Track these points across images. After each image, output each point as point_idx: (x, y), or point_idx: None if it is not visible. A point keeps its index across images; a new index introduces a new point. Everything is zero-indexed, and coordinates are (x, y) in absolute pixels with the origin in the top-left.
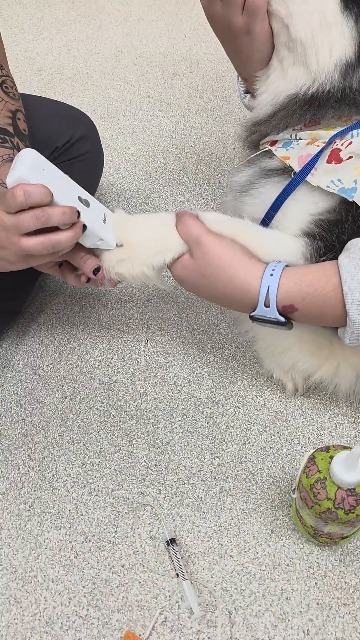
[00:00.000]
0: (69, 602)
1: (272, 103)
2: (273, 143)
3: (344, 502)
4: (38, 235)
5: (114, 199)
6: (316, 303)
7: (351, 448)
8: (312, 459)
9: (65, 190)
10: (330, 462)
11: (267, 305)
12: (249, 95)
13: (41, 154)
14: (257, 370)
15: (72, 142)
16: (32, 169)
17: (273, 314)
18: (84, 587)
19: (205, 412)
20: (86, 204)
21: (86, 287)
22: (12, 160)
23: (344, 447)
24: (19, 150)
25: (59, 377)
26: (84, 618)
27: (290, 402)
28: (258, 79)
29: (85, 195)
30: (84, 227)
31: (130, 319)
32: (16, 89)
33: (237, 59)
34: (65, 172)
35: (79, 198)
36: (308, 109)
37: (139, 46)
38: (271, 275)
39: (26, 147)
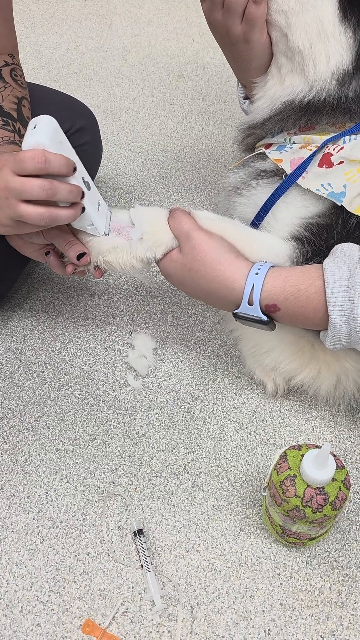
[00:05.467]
0: (31, 587)
1: (268, 108)
2: (268, 146)
3: (312, 501)
4: (38, 205)
5: (110, 193)
6: (299, 304)
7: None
8: (283, 456)
9: None
10: (301, 460)
11: (250, 303)
12: (247, 101)
13: None
14: (239, 369)
15: (71, 132)
16: (52, 138)
17: (256, 312)
18: (47, 572)
19: (183, 407)
20: (87, 186)
21: (72, 276)
22: (12, 142)
23: (317, 446)
24: (20, 135)
25: (40, 363)
26: (44, 603)
27: (269, 402)
28: (256, 85)
29: (88, 177)
30: (82, 209)
31: (116, 310)
32: (24, 78)
33: (236, 65)
34: None
35: (83, 179)
36: (303, 114)
37: (147, 47)
38: (256, 274)
39: None
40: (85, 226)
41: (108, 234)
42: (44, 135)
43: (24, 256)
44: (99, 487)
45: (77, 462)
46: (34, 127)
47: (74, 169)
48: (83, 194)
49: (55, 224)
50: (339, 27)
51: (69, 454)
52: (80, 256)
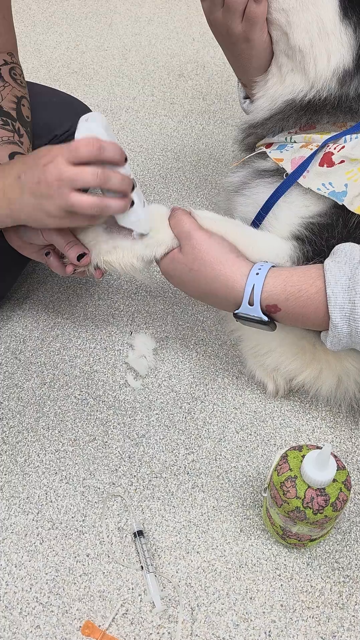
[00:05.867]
0: (30, 588)
1: (269, 108)
2: (268, 145)
3: (313, 502)
4: (89, 194)
5: None
6: (299, 304)
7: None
8: (284, 457)
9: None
10: (302, 461)
11: (251, 303)
12: (248, 101)
13: (40, 140)
14: (239, 369)
15: (70, 132)
16: (105, 128)
17: (257, 312)
18: (47, 574)
19: (183, 407)
20: (135, 183)
21: (72, 276)
22: (11, 142)
23: (317, 447)
24: (19, 135)
25: (39, 363)
26: (44, 605)
27: (269, 402)
28: (256, 84)
29: (134, 177)
30: (131, 202)
31: (116, 310)
32: (23, 77)
33: (236, 65)
34: None
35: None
36: (304, 113)
37: (147, 46)
38: (257, 274)
39: (27, 133)
40: (131, 221)
41: (147, 234)
42: (98, 125)
43: (24, 256)
44: (99, 488)
45: (76, 463)
46: (86, 120)
47: (125, 159)
48: (133, 187)
49: (106, 214)
50: (340, 25)
51: (68, 455)
52: (80, 257)
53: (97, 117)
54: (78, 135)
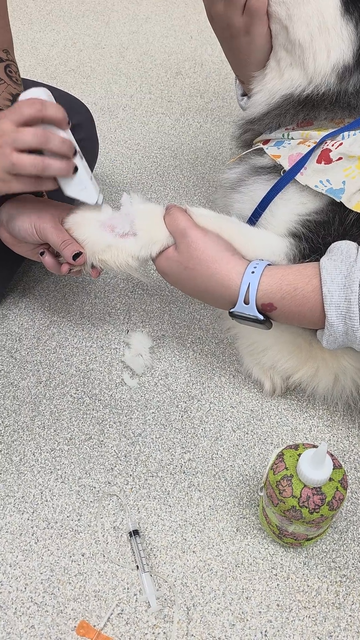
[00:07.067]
0: (25, 588)
1: (266, 102)
2: (266, 142)
3: (309, 501)
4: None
5: (107, 191)
6: (295, 303)
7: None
8: (280, 456)
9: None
10: (298, 460)
11: (246, 302)
12: (245, 98)
13: None
14: (236, 367)
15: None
16: (48, 97)
17: (252, 311)
18: (41, 573)
19: (180, 406)
20: (80, 156)
21: (69, 276)
22: None
23: (314, 446)
24: None
25: (35, 362)
26: (38, 605)
27: (266, 401)
28: (254, 79)
29: (80, 153)
30: (75, 169)
31: (113, 309)
32: (19, 75)
33: (235, 59)
34: None
35: (76, 149)
36: (301, 109)
37: (145, 44)
38: (252, 272)
39: None
40: (78, 191)
41: (101, 205)
42: (40, 91)
43: (19, 255)
44: (95, 487)
45: (72, 462)
46: (30, 90)
47: (68, 123)
48: (75, 152)
49: (47, 174)
50: (341, 20)
51: (64, 454)
52: (76, 256)
53: (42, 89)
54: (21, 96)
